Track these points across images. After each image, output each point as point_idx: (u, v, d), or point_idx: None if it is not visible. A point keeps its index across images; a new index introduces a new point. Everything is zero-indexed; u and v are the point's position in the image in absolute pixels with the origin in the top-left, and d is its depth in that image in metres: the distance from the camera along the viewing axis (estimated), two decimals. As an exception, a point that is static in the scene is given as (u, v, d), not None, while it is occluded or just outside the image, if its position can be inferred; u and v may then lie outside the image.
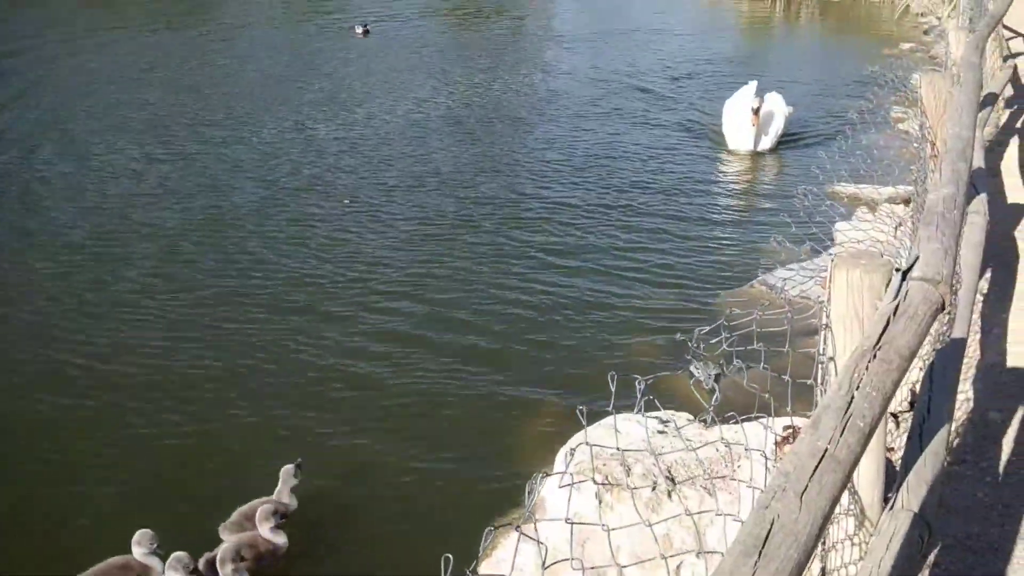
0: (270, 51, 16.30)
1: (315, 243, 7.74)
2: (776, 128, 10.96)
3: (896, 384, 1.99)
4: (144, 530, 4.21)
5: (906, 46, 16.67)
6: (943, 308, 2.34)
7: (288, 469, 4.51)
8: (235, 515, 4.41)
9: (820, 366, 2.75)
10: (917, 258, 2.48)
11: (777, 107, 11.27)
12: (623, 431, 4.21)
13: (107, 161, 9.98)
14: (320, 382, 5.69)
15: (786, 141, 11.16)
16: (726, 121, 11.06)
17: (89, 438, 5.20)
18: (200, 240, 7.87)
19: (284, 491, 4.52)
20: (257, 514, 4.32)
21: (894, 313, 2.15)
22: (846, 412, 1.78)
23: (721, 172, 10.30)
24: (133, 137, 10.91)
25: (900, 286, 2.34)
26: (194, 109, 12.14)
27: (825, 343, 2.69)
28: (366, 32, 17.19)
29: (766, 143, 10.83)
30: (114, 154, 10.20)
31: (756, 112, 10.54)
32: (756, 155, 10.66)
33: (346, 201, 8.08)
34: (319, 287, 6.96)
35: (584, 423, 2.61)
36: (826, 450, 1.67)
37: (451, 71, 14.33)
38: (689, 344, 2.94)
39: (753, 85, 11.45)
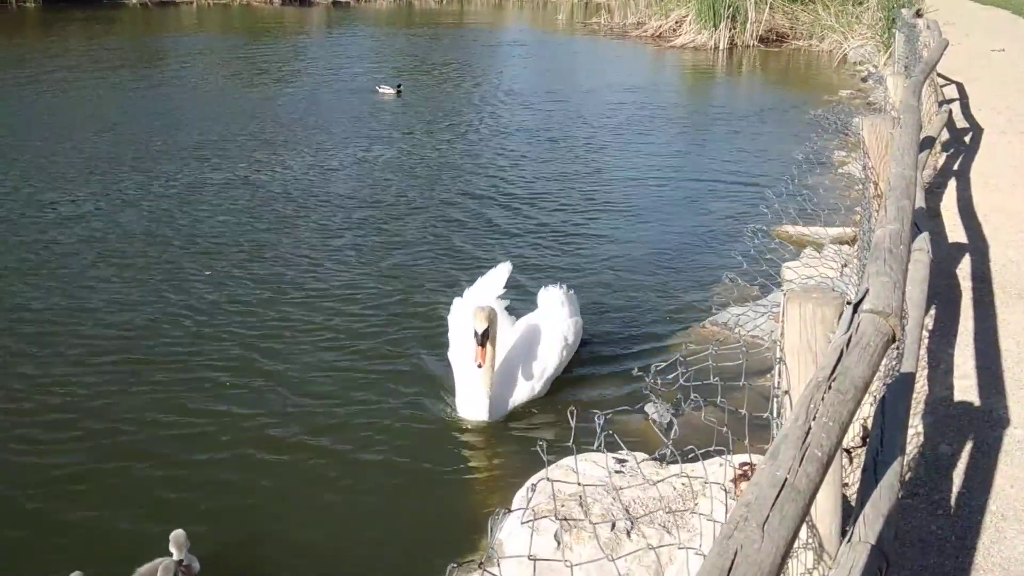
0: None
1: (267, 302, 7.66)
2: (542, 367, 5.69)
3: (851, 415, 2.01)
4: (179, 531, 4.09)
5: (845, 93, 17.20)
6: (894, 340, 2.38)
7: (179, 534, 4.14)
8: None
9: (775, 400, 2.78)
10: (867, 291, 2.52)
11: (549, 318, 5.91)
12: (581, 471, 4.19)
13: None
14: (270, 426, 5.55)
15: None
16: (452, 346, 5.90)
17: None
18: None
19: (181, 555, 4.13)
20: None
21: (847, 345, 2.18)
22: (804, 441, 1.79)
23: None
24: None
25: (852, 318, 2.38)
26: (194, 159, 12.07)
27: (780, 377, 2.72)
28: (399, 92, 17.08)
29: (520, 395, 5.59)
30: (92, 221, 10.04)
31: (482, 341, 5.28)
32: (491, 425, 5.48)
33: (207, 272, 8.00)
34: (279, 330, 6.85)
35: (544, 459, 2.60)
36: (786, 480, 1.67)
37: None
38: (646, 379, 2.96)
39: (504, 271, 6.13)
